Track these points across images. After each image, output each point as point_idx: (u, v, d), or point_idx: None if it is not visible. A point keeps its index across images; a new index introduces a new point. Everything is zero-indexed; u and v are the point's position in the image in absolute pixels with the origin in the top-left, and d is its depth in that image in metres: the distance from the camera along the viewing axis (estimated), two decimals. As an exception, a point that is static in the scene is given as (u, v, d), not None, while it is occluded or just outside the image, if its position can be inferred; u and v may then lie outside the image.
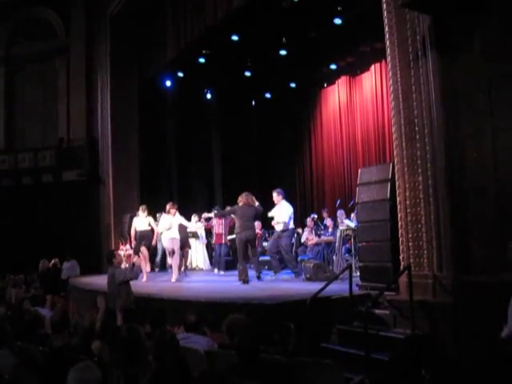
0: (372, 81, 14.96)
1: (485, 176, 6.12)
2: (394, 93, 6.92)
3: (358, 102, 15.61)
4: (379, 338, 6.21)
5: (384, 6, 7.01)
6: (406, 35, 6.73)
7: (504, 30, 5.95)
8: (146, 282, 10.89)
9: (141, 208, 11.95)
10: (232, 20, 12.13)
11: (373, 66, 14.80)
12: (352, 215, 11.45)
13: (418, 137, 6.60)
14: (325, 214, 13.72)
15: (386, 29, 7.00)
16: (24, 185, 16.60)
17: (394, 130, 6.98)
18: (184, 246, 12.39)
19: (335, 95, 16.39)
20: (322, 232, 12.94)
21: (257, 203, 10.40)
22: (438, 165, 6.45)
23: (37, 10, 17.21)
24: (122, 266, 14.58)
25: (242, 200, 10.28)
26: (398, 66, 6.84)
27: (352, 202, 12.33)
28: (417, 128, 6.61)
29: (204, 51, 14.64)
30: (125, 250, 14.78)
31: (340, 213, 12.29)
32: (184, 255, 12.76)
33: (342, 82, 16.05)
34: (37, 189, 16.37)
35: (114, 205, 15.48)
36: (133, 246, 12.20)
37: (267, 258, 13.49)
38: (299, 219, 16.19)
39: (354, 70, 15.57)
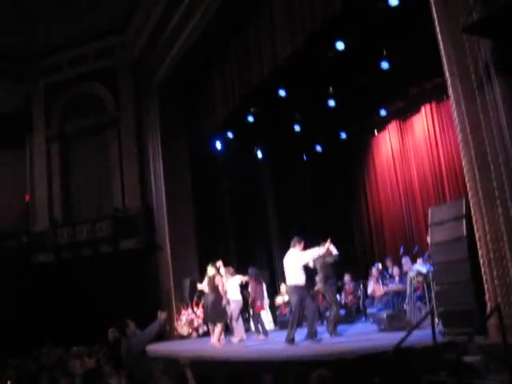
0: (423, 123, 14.66)
1: None
2: (460, 125, 6.62)
3: (411, 145, 15.28)
4: (474, 388, 5.70)
5: (439, 36, 6.80)
6: (466, 64, 6.48)
7: None
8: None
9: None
10: (278, 75, 12.13)
11: (423, 108, 14.57)
12: (419, 260, 10.95)
13: (492, 167, 6.23)
14: (389, 263, 13.18)
15: (444, 60, 6.78)
16: (83, 256, 16.75)
17: (464, 162, 6.63)
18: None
19: (387, 141, 16.11)
20: (389, 281, 12.44)
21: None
22: (519, 194, 6.04)
23: (86, 86, 17.76)
24: (185, 332, 14.45)
25: None
26: (462, 96, 6.57)
27: (417, 248, 11.85)
28: (490, 158, 6.25)
29: (252, 109, 14.72)
30: (187, 315, 14.55)
31: (405, 260, 11.87)
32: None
33: (393, 127, 15.79)
34: (95, 259, 16.47)
35: (173, 270, 15.38)
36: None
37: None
38: (362, 270, 15.70)
39: (404, 113, 15.36)
